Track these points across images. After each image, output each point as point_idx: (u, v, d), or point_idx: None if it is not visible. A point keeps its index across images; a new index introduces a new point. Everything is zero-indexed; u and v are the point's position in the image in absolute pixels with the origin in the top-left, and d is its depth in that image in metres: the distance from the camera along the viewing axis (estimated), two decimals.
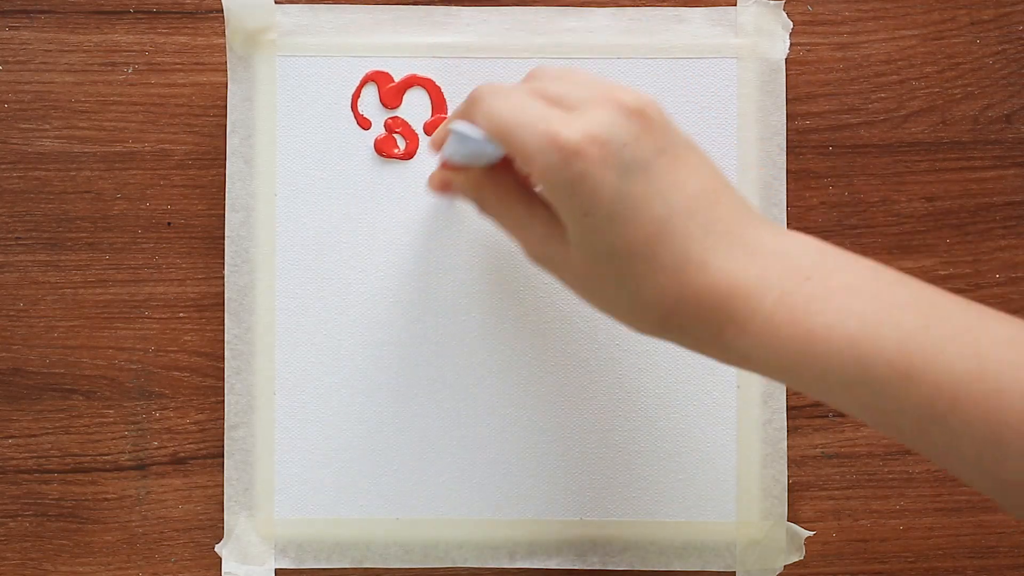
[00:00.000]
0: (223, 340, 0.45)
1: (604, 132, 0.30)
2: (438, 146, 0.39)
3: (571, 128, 0.30)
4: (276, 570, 0.44)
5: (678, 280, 0.30)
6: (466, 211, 0.45)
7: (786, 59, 0.45)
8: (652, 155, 0.31)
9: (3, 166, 0.46)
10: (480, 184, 0.36)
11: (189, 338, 0.46)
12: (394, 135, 0.45)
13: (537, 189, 0.34)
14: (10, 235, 0.46)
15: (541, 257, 0.34)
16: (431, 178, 0.40)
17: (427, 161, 0.45)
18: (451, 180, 0.38)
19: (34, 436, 0.46)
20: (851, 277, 0.31)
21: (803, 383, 0.30)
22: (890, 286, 0.31)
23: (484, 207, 0.36)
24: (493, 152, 0.34)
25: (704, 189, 0.31)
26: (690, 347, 0.32)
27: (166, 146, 0.46)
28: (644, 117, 0.31)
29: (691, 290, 0.30)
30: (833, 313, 0.29)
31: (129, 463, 0.46)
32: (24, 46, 0.46)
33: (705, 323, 0.31)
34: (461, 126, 0.34)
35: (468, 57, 0.45)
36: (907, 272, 0.45)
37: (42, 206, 0.46)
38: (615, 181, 0.30)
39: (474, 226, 0.45)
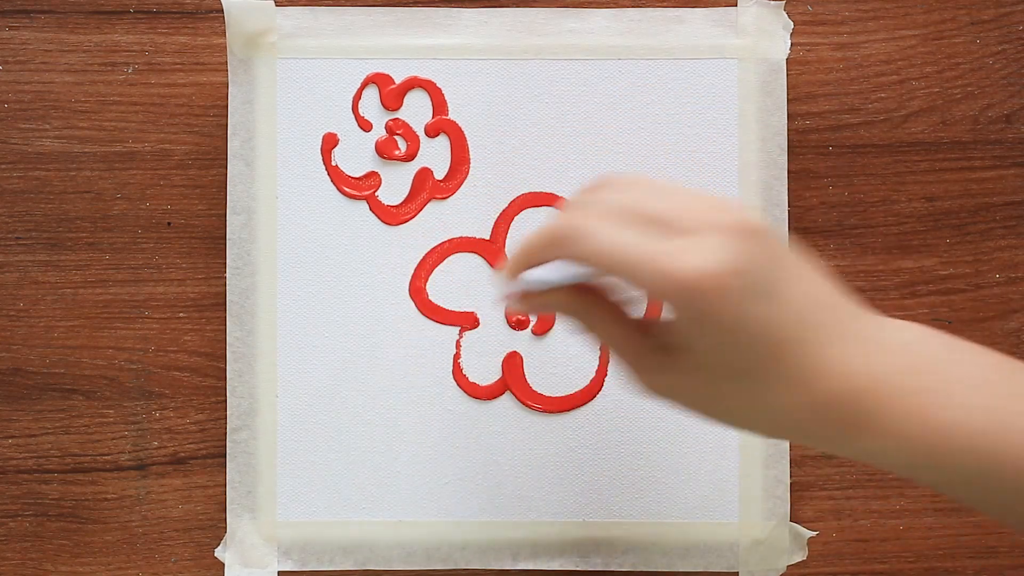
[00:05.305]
0: (223, 340, 0.45)
1: (723, 265, 0.29)
2: (514, 275, 0.33)
3: (687, 263, 0.29)
4: (279, 572, 0.44)
5: (807, 390, 0.31)
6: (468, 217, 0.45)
7: (786, 59, 0.45)
8: (768, 275, 0.30)
9: (3, 166, 0.46)
10: (582, 308, 0.33)
11: (189, 338, 0.46)
12: (395, 137, 0.45)
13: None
14: (10, 235, 0.46)
15: (657, 386, 0.33)
16: (523, 302, 0.34)
17: (426, 157, 0.45)
18: (545, 303, 0.34)
19: (34, 436, 0.46)
20: (972, 368, 0.31)
21: (931, 480, 0.31)
22: (1012, 375, 0.31)
23: (590, 330, 0.34)
24: (585, 276, 0.32)
25: (814, 296, 0.31)
26: (817, 446, 0.32)
27: (166, 146, 0.46)
28: (755, 236, 0.30)
29: (820, 398, 0.31)
30: (959, 409, 0.29)
31: (129, 463, 0.46)
32: (24, 46, 0.46)
33: (834, 428, 0.31)
34: (549, 272, 0.32)
35: (469, 58, 0.45)
36: (907, 272, 0.46)
37: (42, 206, 0.46)
38: (739, 309, 0.30)
39: (473, 226, 0.45)
